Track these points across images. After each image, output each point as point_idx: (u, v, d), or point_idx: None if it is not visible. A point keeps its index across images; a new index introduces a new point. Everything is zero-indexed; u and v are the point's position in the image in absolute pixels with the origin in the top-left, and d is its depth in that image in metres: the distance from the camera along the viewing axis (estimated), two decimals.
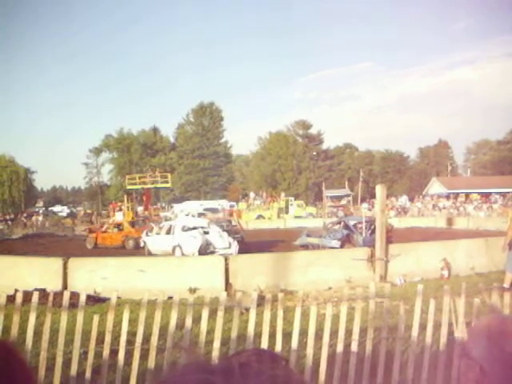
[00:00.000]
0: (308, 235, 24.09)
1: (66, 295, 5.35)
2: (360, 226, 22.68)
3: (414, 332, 5.20)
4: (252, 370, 0.76)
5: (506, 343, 1.29)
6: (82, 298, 5.43)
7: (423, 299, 5.35)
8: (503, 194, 58.96)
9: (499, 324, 1.36)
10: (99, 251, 27.08)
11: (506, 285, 12.18)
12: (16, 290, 7.51)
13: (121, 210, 44.77)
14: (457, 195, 62.67)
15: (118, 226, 32.27)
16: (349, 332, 5.19)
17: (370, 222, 21.10)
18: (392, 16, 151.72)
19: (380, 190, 15.86)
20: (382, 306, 5.58)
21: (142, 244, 25.90)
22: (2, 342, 1.26)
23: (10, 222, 53.44)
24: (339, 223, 25.20)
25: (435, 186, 72.88)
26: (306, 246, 22.46)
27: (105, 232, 31.69)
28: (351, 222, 23.73)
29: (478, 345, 1.33)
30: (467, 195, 61.71)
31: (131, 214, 39.11)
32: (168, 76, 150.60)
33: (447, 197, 63.36)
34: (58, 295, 6.13)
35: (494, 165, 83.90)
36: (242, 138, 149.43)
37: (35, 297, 5.32)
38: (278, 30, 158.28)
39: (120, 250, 27.29)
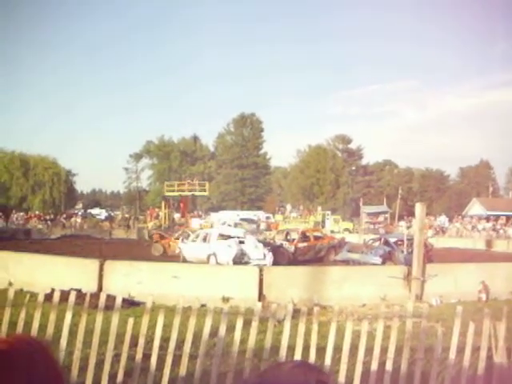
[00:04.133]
0: (349, 251, 23.98)
1: (103, 297, 5.39)
2: (400, 243, 22.43)
3: (451, 354, 5.08)
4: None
5: None
6: (118, 301, 5.47)
7: (461, 322, 5.23)
8: None
9: None
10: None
11: None
12: (53, 289, 7.61)
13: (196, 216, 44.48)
14: (497, 217, 61.35)
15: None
16: (383, 350, 5.10)
17: (411, 240, 20.85)
18: (434, 35, 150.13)
19: (419, 208, 15.66)
20: (419, 326, 5.48)
21: (177, 250, 26.01)
22: (28, 337, 1.26)
23: (49, 222, 54.33)
24: (379, 240, 24.97)
25: (475, 207, 71.62)
26: (346, 262, 22.31)
27: (178, 239, 29.20)
28: (392, 239, 23.52)
29: None
30: (508, 218, 60.40)
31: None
32: (210, 85, 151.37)
33: (487, 218, 62.11)
34: (94, 296, 6.18)
35: None
36: (281, 149, 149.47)
37: (72, 296, 5.37)
38: (321, 41, 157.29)
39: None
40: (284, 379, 0.75)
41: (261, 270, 14.33)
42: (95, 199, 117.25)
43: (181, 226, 47.96)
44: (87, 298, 5.51)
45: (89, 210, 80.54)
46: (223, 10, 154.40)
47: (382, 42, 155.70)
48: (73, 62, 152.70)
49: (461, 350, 5.12)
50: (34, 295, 5.77)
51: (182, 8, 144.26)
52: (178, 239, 29.08)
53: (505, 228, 55.89)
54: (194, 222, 40.75)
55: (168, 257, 27.18)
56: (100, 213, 77.55)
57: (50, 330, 5.26)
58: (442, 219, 63.10)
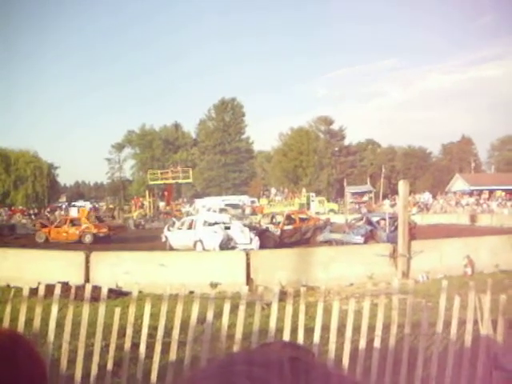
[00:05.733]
0: (331, 231, 24.10)
1: (88, 288, 5.36)
2: (383, 222, 22.57)
3: (438, 329, 5.13)
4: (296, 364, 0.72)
5: None
6: (104, 292, 5.45)
7: (447, 296, 5.27)
8: None
9: None
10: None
11: None
12: (39, 283, 7.58)
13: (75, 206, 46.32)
14: (480, 192, 61.89)
15: (73, 221, 33.00)
16: (371, 328, 5.13)
17: (394, 219, 20.97)
18: (416, 12, 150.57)
19: (403, 186, 15.74)
20: (405, 303, 5.51)
21: (163, 239, 26.05)
22: (9, 331, 1.25)
23: (33, 217, 53.98)
24: (362, 219, 25.11)
25: (458, 183, 72.04)
26: (329, 242, 22.41)
27: (58, 227, 32.35)
28: (374, 218, 23.66)
29: None
30: (491, 192, 60.92)
31: (86, 210, 39.63)
32: (190, 72, 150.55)
33: (470, 193, 62.63)
34: (80, 288, 6.15)
35: None
36: (265, 134, 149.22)
37: (57, 289, 5.34)
38: (302, 25, 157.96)
39: (77, 245, 27.77)
40: (257, 358, 0.74)
41: (247, 255, 14.37)
42: (79, 191, 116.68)
43: (166, 215, 47.98)
44: (73, 290, 5.48)
45: (73, 203, 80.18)
46: (208, 3, 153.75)
47: (364, 23, 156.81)
48: (58, 58, 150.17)
49: (448, 324, 5.17)
50: (20, 290, 5.71)
51: (165, 6, 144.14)
52: (57, 227, 32.27)
53: (488, 202, 56.45)
54: (73, 212, 41.05)
55: (50, 243, 29.31)
56: (84, 205, 77.24)
57: (37, 324, 5.24)
58: (426, 196, 63.58)
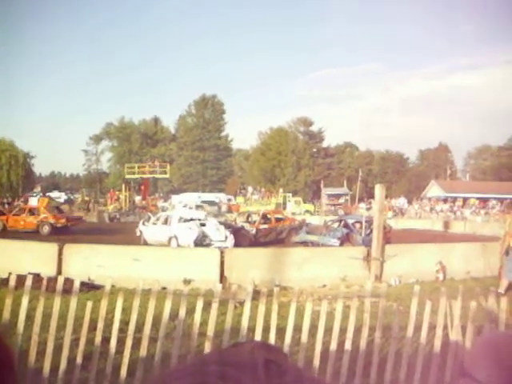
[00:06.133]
0: (308, 232, 24.16)
1: (60, 280, 5.31)
2: (359, 225, 22.67)
3: (409, 333, 5.17)
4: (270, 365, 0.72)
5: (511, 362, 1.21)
6: (76, 284, 5.39)
7: (418, 301, 5.32)
8: (501, 200, 58.85)
9: (503, 341, 1.29)
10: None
11: (501, 290, 12.18)
12: (10, 274, 7.48)
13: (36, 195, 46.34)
14: (455, 199, 62.56)
15: (32, 210, 32.73)
16: (343, 330, 5.16)
17: (370, 222, 21.05)
18: (397, 18, 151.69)
19: (379, 190, 15.82)
20: (377, 306, 5.55)
21: (138, 233, 25.91)
22: None
23: (7, 206, 53.30)
24: (339, 221, 25.19)
25: (434, 189, 72.69)
26: (305, 243, 22.46)
27: (16, 215, 32.18)
28: (350, 221, 23.72)
29: (481, 365, 1.25)
30: (465, 199, 61.64)
31: (46, 200, 39.27)
32: (172, 67, 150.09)
33: (445, 200, 63.26)
34: (52, 280, 6.09)
35: (493, 170, 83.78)
36: (244, 132, 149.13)
37: (29, 280, 5.28)
38: (284, 26, 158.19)
39: (34, 235, 27.39)
40: (230, 358, 0.74)
41: (222, 252, 14.35)
42: (54, 182, 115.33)
43: (142, 209, 47.74)
44: (44, 282, 5.42)
45: (48, 194, 79.32)
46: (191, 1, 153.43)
47: (347, 24, 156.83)
48: (29, 45, 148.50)
49: (418, 329, 5.22)
50: None
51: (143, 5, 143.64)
52: (16, 215, 32.08)
53: (462, 209, 57.07)
54: (33, 201, 40.85)
55: (8, 232, 29.36)
56: (59, 196, 76.41)
57: (6, 315, 5.17)
58: (401, 201, 64.03)
